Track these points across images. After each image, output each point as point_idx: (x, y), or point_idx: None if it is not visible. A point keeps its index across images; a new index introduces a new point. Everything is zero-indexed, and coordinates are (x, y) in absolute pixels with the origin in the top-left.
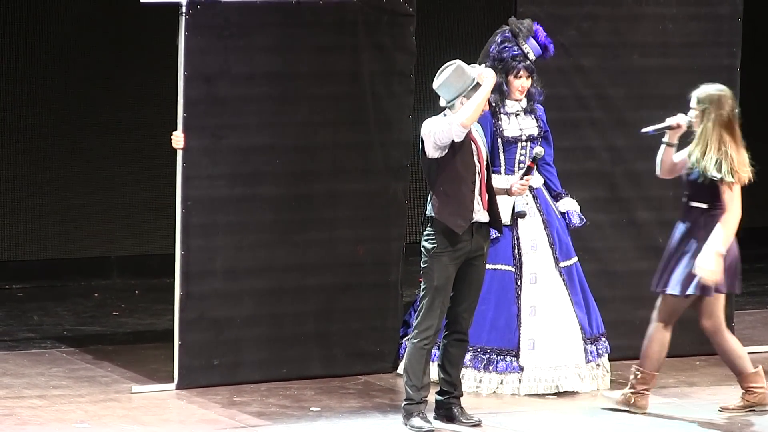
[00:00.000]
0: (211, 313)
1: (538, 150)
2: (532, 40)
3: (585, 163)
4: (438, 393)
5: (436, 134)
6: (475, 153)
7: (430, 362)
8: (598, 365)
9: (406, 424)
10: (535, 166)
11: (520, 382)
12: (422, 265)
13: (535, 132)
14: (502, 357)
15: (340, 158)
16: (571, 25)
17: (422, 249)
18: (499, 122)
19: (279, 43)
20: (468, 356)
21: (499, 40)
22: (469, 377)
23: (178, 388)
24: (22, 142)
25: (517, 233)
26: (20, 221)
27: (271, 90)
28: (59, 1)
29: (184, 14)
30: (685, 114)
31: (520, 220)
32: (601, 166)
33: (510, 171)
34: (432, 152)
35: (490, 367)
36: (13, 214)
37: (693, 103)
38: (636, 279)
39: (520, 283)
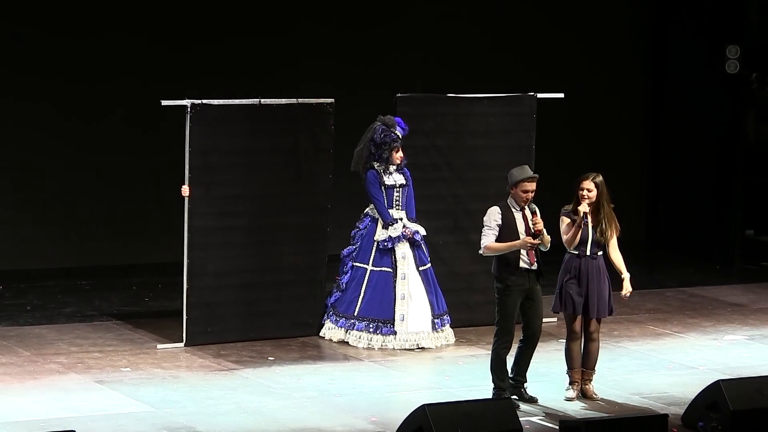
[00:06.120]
0: (206, 298)
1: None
2: (397, 128)
3: (437, 204)
4: (511, 378)
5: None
6: (522, 228)
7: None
8: (442, 331)
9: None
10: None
11: (395, 341)
12: (497, 299)
13: (403, 182)
14: (384, 325)
15: (285, 201)
16: (429, 119)
17: (496, 289)
18: (383, 178)
19: (248, 130)
20: (363, 324)
21: (380, 129)
22: (363, 338)
23: (185, 345)
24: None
25: (394, 249)
26: (84, 233)
27: (242, 159)
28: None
29: (189, 112)
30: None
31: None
32: (447, 207)
33: (390, 207)
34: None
35: (378, 332)
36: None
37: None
38: (469, 277)
39: (395, 279)
